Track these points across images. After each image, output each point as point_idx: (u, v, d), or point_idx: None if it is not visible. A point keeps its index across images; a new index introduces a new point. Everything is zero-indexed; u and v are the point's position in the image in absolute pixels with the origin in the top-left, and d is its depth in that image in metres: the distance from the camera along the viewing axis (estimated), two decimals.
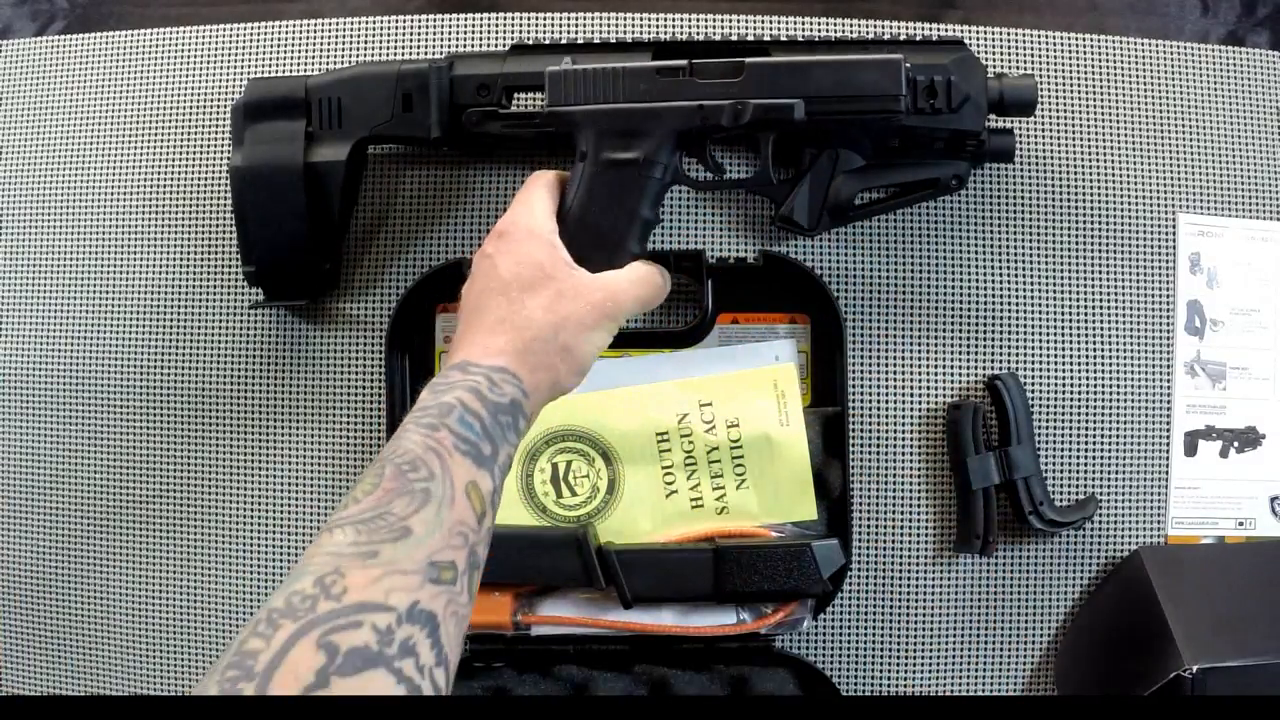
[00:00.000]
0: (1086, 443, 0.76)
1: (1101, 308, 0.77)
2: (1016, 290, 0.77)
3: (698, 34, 0.78)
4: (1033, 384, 0.76)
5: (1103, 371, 0.77)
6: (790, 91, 0.62)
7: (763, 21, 0.78)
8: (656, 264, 0.63)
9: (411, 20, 0.79)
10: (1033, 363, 0.76)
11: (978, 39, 0.78)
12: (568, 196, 0.62)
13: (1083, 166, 0.78)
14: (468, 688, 0.73)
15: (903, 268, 0.77)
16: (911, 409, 0.76)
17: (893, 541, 0.76)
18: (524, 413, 0.54)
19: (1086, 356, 0.77)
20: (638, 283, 0.60)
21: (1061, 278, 0.77)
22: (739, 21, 0.78)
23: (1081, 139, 0.78)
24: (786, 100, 0.62)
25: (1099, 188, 0.78)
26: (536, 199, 0.61)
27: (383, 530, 0.45)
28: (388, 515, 0.46)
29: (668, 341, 0.74)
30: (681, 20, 0.78)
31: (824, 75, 0.62)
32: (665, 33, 0.78)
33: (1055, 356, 0.76)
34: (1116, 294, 0.77)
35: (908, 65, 0.63)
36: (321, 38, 0.79)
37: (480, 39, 0.79)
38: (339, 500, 0.58)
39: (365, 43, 0.79)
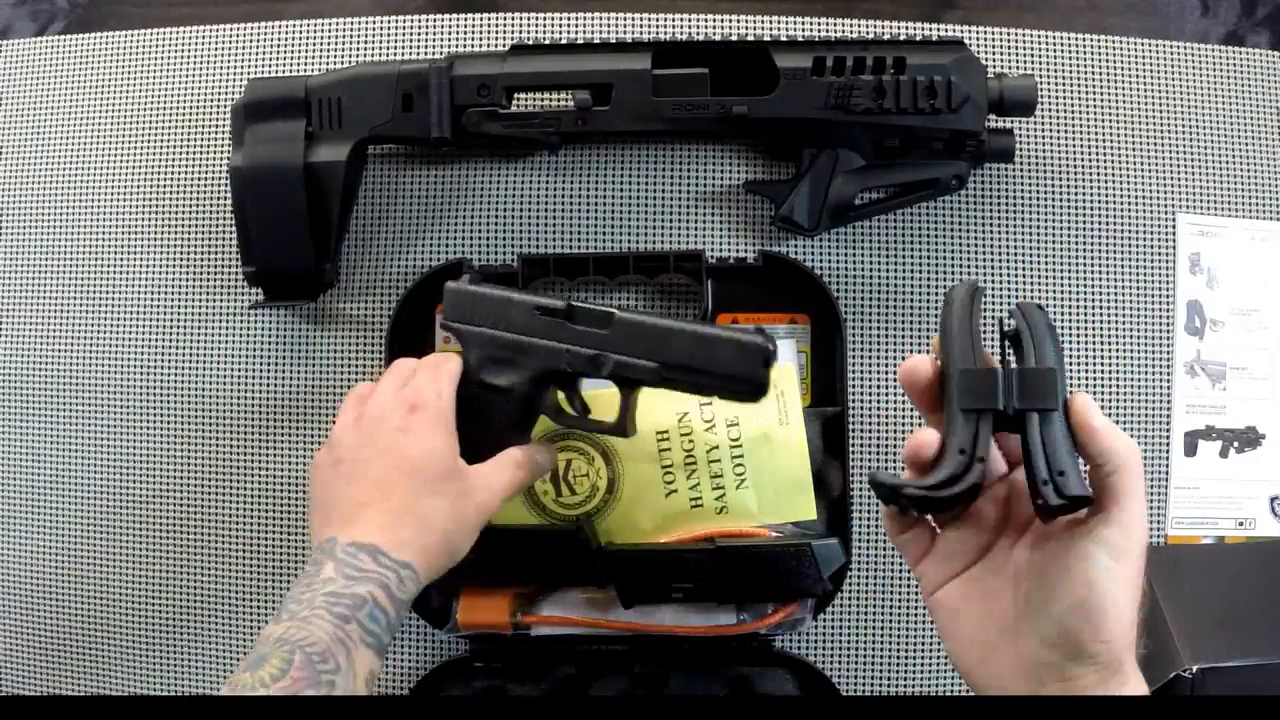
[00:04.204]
0: None
1: (1101, 308, 0.77)
2: (1017, 290, 0.77)
3: (698, 34, 0.78)
4: None
5: (1103, 371, 0.77)
6: (652, 353, 0.63)
7: (763, 21, 0.78)
8: (526, 450, 0.65)
9: (411, 20, 0.79)
10: None
11: (978, 39, 0.78)
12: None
13: (1083, 166, 0.78)
14: (468, 688, 0.73)
15: (903, 268, 0.77)
16: (911, 409, 0.76)
17: None
18: (410, 605, 0.59)
19: (1087, 357, 0.77)
20: (509, 482, 0.63)
21: (1061, 278, 0.77)
22: (739, 21, 0.78)
23: (1081, 139, 0.78)
24: (643, 363, 0.63)
25: (1099, 188, 0.78)
26: (446, 382, 0.63)
27: None
28: None
29: None
30: (681, 20, 0.78)
31: (686, 345, 0.62)
32: (665, 33, 0.78)
33: None
34: (1116, 294, 0.77)
35: (771, 346, 0.62)
36: (321, 38, 0.79)
37: (480, 39, 0.79)
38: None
39: (365, 43, 0.79)
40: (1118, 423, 0.75)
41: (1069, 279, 0.77)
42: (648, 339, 0.63)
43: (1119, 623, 0.47)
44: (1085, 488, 0.48)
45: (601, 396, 0.68)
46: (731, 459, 0.72)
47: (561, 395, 0.66)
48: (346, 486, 0.60)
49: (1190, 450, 0.77)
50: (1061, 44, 0.78)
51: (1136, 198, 0.78)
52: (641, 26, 0.78)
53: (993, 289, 0.77)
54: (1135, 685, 0.47)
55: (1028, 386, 0.50)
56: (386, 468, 0.59)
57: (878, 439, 0.76)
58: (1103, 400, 0.76)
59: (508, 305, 0.65)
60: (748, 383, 0.62)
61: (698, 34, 0.78)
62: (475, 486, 0.61)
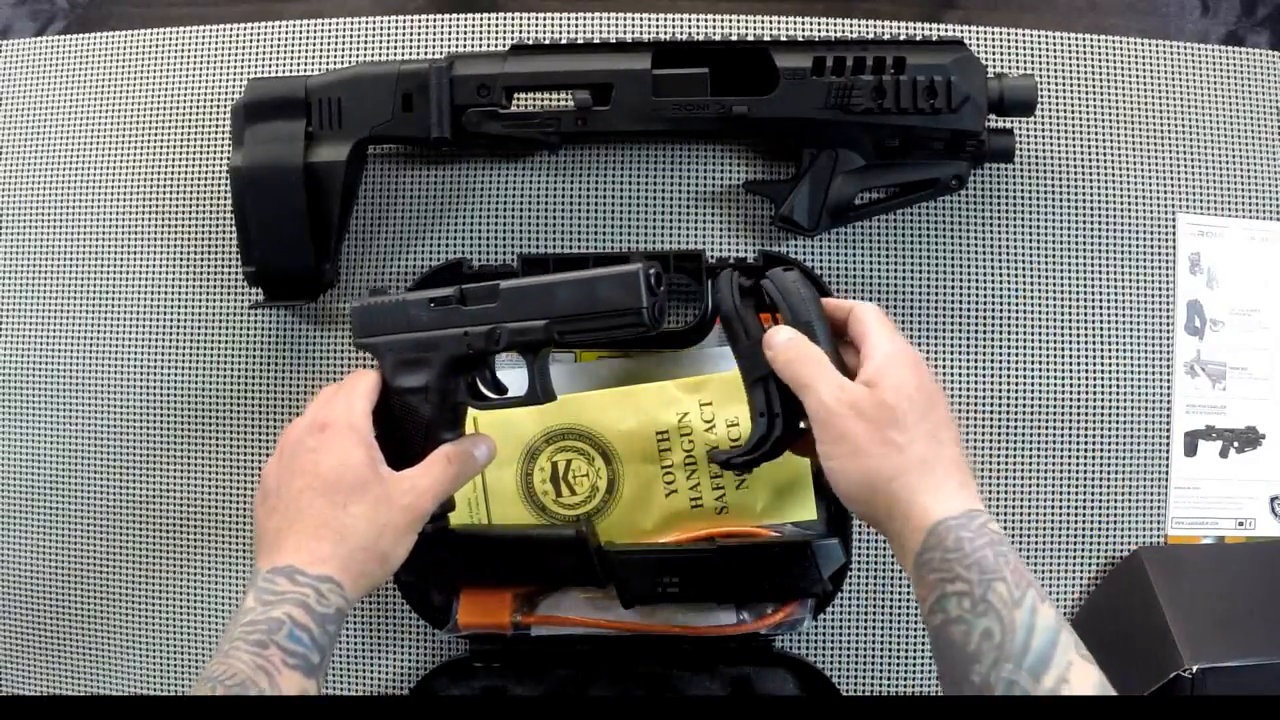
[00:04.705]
0: (1086, 443, 0.76)
1: (1101, 308, 0.77)
2: (1016, 290, 0.77)
3: (698, 34, 0.78)
4: (1033, 384, 0.76)
5: (1103, 371, 0.77)
6: (539, 312, 0.62)
7: (763, 21, 0.78)
8: (457, 445, 0.64)
9: (411, 20, 0.79)
10: (1033, 363, 0.76)
11: (978, 39, 0.78)
12: (378, 406, 0.64)
13: (1083, 166, 0.78)
14: (467, 687, 0.73)
15: (903, 268, 0.77)
16: None
17: None
18: (345, 616, 0.58)
19: (1086, 356, 0.77)
20: (439, 480, 0.62)
21: (1061, 278, 0.77)
22: (739, 21, 0.78)
23: (1081, 139, 0.78)
24: (533, 323, 0.62)
25: (1099, 188, 0.78)
26: (358, 397, 0.63)
27: None
28: None
29: (668, 341, 0.74)
30: (681, 20, 0.78)
31: (568, 294, 0.62)
32: (665, 33, 0.78)
33: (1055, 356, 0.76)
34: (1116, 294, 0.77)
35: (651, 270, 0.61)
36: (321, 38, 0.79)
37: (480, 39, 0.79)
38: None
39: (365, 43, 0.79)
40: (1117, 422, 0.76)
41: (1069, 279, 0.77)
42: (533, 300, 0.63)
43: (853, 483, 0.57)
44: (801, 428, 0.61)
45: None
46: None
47: (476, 379, 0.66)
48: (269, 518, 0.60)
49: (1190, 450, 0.77)
50: (1061, 44, 0.78)
51: (1136, 198, 0.78)
52: (641, 26, 0.78)
53: (993, 289, 0.77)
54: (945, 498, 0.56)
55: None
56: (302, 489, 0.60)
57: None
58: (1103, 400, 0.76)
59: (404, 307, 0.65)
60: (632, 313, 0.61)
61: (698, 34, 0.78)
62: (398, 490, 0.61)
